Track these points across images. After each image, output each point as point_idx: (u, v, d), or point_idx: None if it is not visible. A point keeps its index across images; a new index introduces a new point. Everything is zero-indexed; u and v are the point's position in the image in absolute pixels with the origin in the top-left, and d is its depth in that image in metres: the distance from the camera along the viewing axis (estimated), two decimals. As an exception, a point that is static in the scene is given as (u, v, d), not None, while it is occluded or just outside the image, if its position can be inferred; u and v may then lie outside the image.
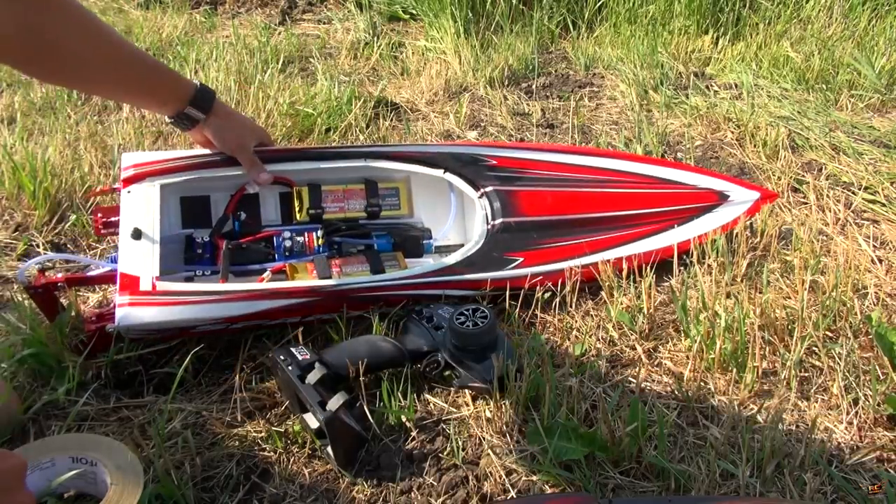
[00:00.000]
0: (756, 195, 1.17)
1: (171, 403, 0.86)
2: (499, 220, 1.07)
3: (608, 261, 1.04)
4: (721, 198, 1.17)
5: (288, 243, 1.04)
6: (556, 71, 1.96)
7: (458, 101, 1.72)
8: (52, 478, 0.73)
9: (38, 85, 1.73)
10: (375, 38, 2.10)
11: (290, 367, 0.83)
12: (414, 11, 2.29)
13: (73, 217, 1.22)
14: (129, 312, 0.86)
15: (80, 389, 0.88)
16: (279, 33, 2.19)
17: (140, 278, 0.89)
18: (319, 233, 1.06)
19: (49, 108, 1.63)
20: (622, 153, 1.34)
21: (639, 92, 1.76)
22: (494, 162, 1.13)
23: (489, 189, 1.10)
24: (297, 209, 1.08)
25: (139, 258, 0.91)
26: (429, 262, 1.06)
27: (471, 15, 2.14)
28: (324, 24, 2.33)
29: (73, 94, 1.71)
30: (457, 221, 1.16)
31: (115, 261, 0.94)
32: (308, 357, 0.84)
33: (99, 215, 1.00)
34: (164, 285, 0.89)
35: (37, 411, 0.85)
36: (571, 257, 1.05)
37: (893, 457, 0.81)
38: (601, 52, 2.04)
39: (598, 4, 2.22)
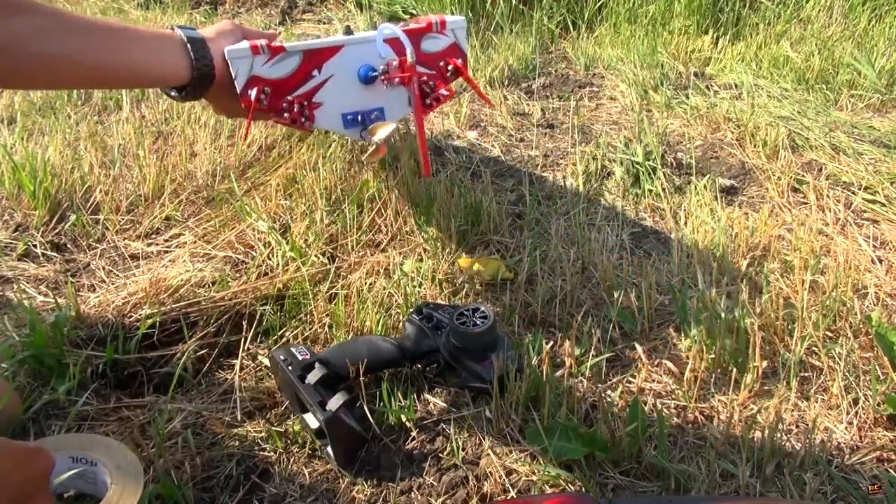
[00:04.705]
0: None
1: (171, 403, 0.86)
2: None
3: None
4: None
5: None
6: (556, 71, 1.96)
7: (458, 101, 1.72)
8: (52, 478, 0.73)
9: (38, 85, 1.73)
10: (375, 38, 2.10)
11: (290, 367, 0.83)
12: (414, 11, 2.29)
13: (74, 217, 1.22)
14: None
15: (80, 389, 0.88)
16: (279, 33, 2.19)
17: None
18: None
19: (49, 108, 1.63)
20: None
21: (639, 92, 1.76)
22: None
23: None
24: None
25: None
26: None
27: (471, 15, 2.14)
28: (324, 24, 2.33)
29: (73, 94, 1.71)
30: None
31: (350, 31, 1.00)
32: (308, 357, 0.84)
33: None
34: None
35: (37, 411, 0.85)
36: None
37: (893, 457, 0.81)
38: (601, 52, 2.04)
39: (598, 4, 2.22)
